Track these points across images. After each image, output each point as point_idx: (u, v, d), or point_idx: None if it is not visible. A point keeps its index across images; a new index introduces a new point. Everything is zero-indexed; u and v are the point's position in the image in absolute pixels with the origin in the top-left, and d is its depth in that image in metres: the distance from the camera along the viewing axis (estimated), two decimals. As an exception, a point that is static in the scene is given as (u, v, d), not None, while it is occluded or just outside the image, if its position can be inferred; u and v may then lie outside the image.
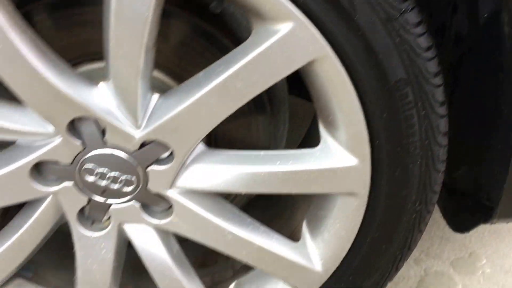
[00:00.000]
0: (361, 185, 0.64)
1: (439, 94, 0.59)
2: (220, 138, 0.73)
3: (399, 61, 0.56)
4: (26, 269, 0.76)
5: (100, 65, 0.69)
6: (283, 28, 0.54)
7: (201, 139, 0.63)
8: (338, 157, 0.62)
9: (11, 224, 0.70)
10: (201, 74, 0.59)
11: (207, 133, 0.62)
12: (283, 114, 0.76)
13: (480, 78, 0.69)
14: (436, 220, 1.05)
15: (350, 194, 0.65)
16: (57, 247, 0.78)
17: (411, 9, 0.54)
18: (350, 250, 0.69)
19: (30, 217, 0.67)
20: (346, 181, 0.64)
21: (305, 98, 0.88)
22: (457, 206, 0.82)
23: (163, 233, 0.71)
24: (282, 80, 0.77)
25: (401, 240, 0.69)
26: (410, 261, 1.02)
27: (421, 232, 0.69)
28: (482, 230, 1.09)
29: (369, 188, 0.64)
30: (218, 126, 0.63)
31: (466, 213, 0.80)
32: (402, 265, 0.72)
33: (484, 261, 1.03)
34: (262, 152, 0.65)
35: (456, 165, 0.77)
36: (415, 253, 1.03)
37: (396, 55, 0.55)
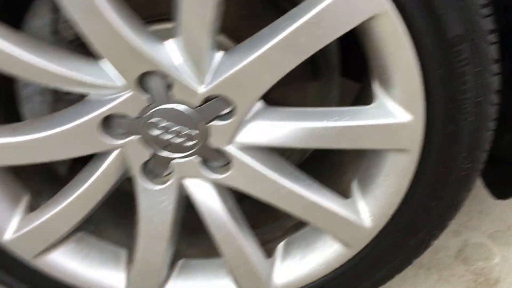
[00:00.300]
0: (414, 141, 0.66)
1: (493, 52, 0.62)
2: (276, 102, 0.76)
3: (457, 17, 0.58)
4: (88, 223, 0.81)
5: (164, 26, 0.73)
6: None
7: (262, 95, 0.66)
8: (393, 114, 0.65)
9: (78, 176, 0.74)
10: (265, 30, 0.63)
11: (268, 88, 0.65)
12: (336, 79, 0.79)
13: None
14: (475, 195, 1.06)
15: (402, 150, 0.68)
16: (116, 204, 0.83)
17: None
18: (399, 206, 0.72)
19: (97, 169, 0.72)
20: (400, 137, 0.66)
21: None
22: (500, 173, 0.84)
23: (220, 188, 0.75)
24: (336, 47, 0.80)
25: (450, 198, 0.71)
26: (449, 233, 1.04)
27: (469, 191, 0.71)
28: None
29: (422, 144, 0.66)
30: (275, 89, 0.66)
31: (509, 180, 0.82)
32: (448, 225, 0.74)
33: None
34: (319, 109, 0.68)
35: (501, 133, 0.79)
36: (454, 225, 1.05)
37: (454, 11, 0.58)
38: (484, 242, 1.05)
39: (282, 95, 0.74)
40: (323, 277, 0.81)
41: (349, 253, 0.78)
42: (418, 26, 0.58)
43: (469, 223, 1.10)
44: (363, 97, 0.90)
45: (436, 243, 0.86)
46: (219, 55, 0.65)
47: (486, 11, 0.59)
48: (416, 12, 0.57)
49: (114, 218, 0.87)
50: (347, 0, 0.57)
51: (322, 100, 0.81)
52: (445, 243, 1.02)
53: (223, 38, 0.73)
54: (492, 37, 0.61)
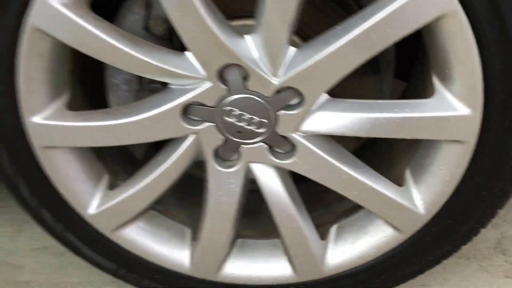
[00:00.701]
0: (470, 133, 0.71)
1: None
2: (334, 94, 0.82)
3: None
4: (156, 203, 0.87)
5: (241, 22, 0.80)
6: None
7: (330, 88, 0.72)
8: (452, 107, 0.70)
9: (155, 159, 0.81)
10: (337, 28, 0.69)
11: (336, 82, 0.71)
12: (390, 74, 0.84)
13: None
14: None
15: (459, 141, 0.73)
16: (179, 187, 0.90)
17: None
18: (452, 195, 0.77)
19: (174, 153, 0.79)
20: (457, 129, 0.71)
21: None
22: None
23: (283, 172, 0.81)
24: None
25: (501, 188, 0.77)
26: (488, 225, 1.08)
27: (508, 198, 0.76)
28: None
29: (478, 136, 0.71)
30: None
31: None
32: (498, 213, 0.79)
33: None
34: (382, 101, 0.74)
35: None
36: (492, 218, 1.10)
37: None
38: (522, 235, 1.10)
39: (341, 87, 0.80)
40: (373, 259, 0.87)
41: (400, 238, 0.83)
42: (483, 25, 0.64)
43: (507, 217, 1.14)
44: (409, 96, 0.95)
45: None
46: (292, 50, 0.71)
47: None
48: (482, 13, 0.63)
49: (178, 200, 0.94)
50: (419, 0, 0.63)
51: (376, 93, 0.86)
52: (484, 235, 1.06)
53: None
54: None
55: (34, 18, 0.68)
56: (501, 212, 1.11)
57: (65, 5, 0.67)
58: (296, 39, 0.81)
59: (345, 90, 0.83)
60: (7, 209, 1.17)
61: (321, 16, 0.78)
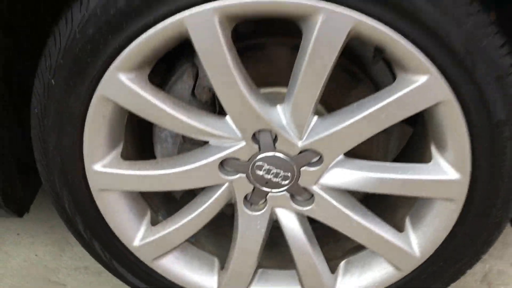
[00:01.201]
0: (460, 194, 0.85)
1: None
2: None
3: (502, 107, 0.77)
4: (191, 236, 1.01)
5: (269, 90, 0.93)
6: (421, 79, 0.76)
7: (345, 151, 0.86)
8: (445, 172, 0.84)
9: (194, 201, 0.95)
10: (354, 105, 0.82)
11: (350, 148, 0.85)
12: (397, 132, 0.98)
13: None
14: None
15: (450, 200, 0.87)
16: (211, 221, 1.03)
17: None
18: (443, 242, 0.92)
19: (210, 197, 0.92)
20: (449, 190, 0.85)
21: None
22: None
23: (301, 217, 0.95)
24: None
25: (485, 238, 0.90)
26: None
27: (500, 232, 0.90)
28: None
29: (466, 196, 0.85)
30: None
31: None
32: (482, 257, 0.93)
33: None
34: (388, 164, 0.87)
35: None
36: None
37: (500, 102, 0.77)
38: (506, 270, 1.24)
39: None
40: (376, 292, 1.01)
41: (399, 275, 0.97)
42: (472, 112, 0.78)
43: (493, 252, 1.28)
44: (415, 142, 1.09)
45: (465, 269, 1.05)
46: (315, 119, 0.85)
47: None
48: (471, 102, 0.77)
49: (208, 232, 1.07)
50: (420, 91, 0.77)
51: (383, 149, 1.00)
52: (473, 269, 1.20)
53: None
54: None
55: (103, 89, 0.82)
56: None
57: (130, 79, 0.81)
58: (319, 107, 0.95)
59: (362, 148, 0.96)
60: (52, 229, 1.31)
61: (340, 89, 0.92)
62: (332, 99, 0.91)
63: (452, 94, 0.77)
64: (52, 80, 0.81)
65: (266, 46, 0.91)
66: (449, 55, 0.74)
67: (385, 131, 0.88)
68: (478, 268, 1.24)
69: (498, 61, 0.74)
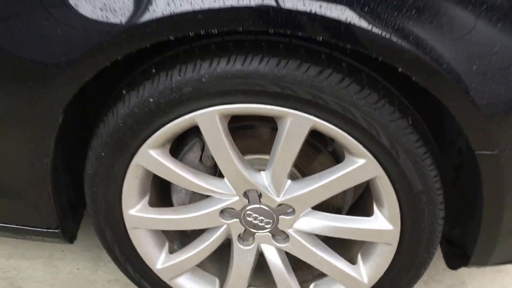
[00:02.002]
0: (394, 240, 1.16)
1: (440, 199, 1.10)
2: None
3: (419, 181, 1.07)
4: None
5: (256, 156, 1.24)
6: (361, 161, 1.07)
7: (312, 206, 1.17)
8: (383, 224, 1.15)
9: (201, 237, 1.27)
10: (316, 175, 1.13)
11: (315, 204, 1.15)
12: (352, 188, 1.28)
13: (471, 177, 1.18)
14: (440, 256, 1.53)
15: (387, 243, 1.17)
16: (214, 252, 1.35)
17: (427, 158, 1.04)
18: (385, 273, 1.22)
19: (213, 235, 1.25)
20: (386, 237, 1.16)
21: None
22: (451, 252, 1.31)
23: (280, 251, 1.26)
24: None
25: (416, 270, 1.21)
26: (420, 283, 1.51)
27: (425, 269, 1.20)
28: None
29: (398, 241, 1.16)
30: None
31: (456, 257, 1.30)
32: (413, 285, 1.23)
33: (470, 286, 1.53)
34: (342, 216, 1.18)
35: (454, 227, 1.27)
36: (424, 277, 1.53)
37: (417, 178, 1.07)
38: (446, 293, 1.54)
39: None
40: (337, 309, 1.32)
41: (353, 296, 1.28)
42: (398, 184, 1.08)
43: (435, 277, 1.58)
44: (364, 199, 1.38)
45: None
46: (289, 182, 1.16)
47: (436, 178, 1.08)
48: (397, 178, 1.07)
49: (211, 258, 1.39)
50: (361, 169, 1.08)
51: (343, 198, 1.30)
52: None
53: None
54: (440, 191, 1.09)
55: (137, 160, 1.14)
56: (431, 272, 1.56)
57: (156, 153, 1.13)
58: (294, 171, 1.26)
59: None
60: (89, 249, 1.64)
61: (308, 159, 1.23)
62: (304, 166, 1.22)
63: (383, 172, 1.08)
64: (102, 153, 1.14)
65: (255, 126, 1.23)
66: (379, 147, 1.05)
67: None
68: (423, 291, 1.54)
69: (414, 151, 1.05)
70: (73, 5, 0.97)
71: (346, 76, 1.01)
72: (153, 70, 1.07)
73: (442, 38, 0.93)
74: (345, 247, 1.31)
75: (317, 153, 1.23)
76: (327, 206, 1.28)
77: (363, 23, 0.91)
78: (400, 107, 1.05)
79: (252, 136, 1.25)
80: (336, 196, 1.27)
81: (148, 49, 1.01)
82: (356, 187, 1.32)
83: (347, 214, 1.33)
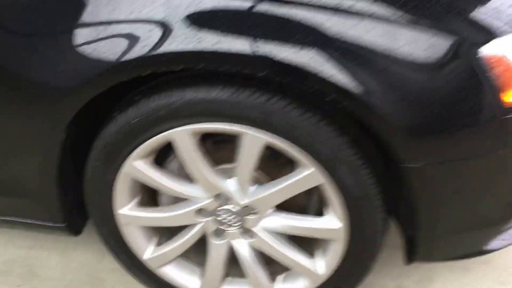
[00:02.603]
0: (342, 237, 1.34)
1: (379, 203, 1.28)
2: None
3: (358, 188, 1.25)
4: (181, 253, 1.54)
5: (227, 166, 1.44)
6: (308, 171, 1.26)
7: (272, 207, 1.36)
8: (333, 222, 1.33)
9: (182, 233, 1.48)
10: (274, 181, 1.33)
11: (275, 205, 1.35)
12: (317, 192, 1.47)
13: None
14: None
15: (337, 240, 1.35)
16: (195, 244, 1.56)
17: (364, 168, 1.22)
18: (337, 265, 1.41)
19: (191, 230, 1.46)
20: (335, 235, 1.34)
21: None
22: (407, 249, 1.48)
23: (248, 246, 1.45)
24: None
25: (364, 266, 1.38)
26: (391, 278, 1.69)
27: (374, 262, 1.37)
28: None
29: (346, 238, 1.34)
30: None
31: (410, 253, 1.46)
32: (364, 279, 1.41)
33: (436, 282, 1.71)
34: (300, 216, 1.37)
35: (408, 227, 1.44)
36: (394, 272, 1.72)
37: (356, 186, 1.25)
38: (412, 286, 1.71)
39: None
40: (300, 296, 1.51)
41: (312, 286, 1.47)
42: (340, 190, 1.27)
43: (404, 271, 1.75)
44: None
45: (376, 283, 1.54)
46: (251, 187, 1.36)
47: (374, 186, 1.25)
48: (339, 185, 1.25)
49: (193, 249, 1.60)
50: (308, 177, 1.27)
51: (308, 201, 1.49)
52: (385, 285, 1.68)
53: (259, 172, 1.43)
54: (377, 196, 1.27)
55: (125, 169, 1.37)
56: (397, 265, 1.72)
57: (140, 164, 1.36)
58: (262, 174, 1.46)
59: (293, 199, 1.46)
60: (95, 241, 1.88)
61: (269, 165, 1.43)
62: (273, 172, 1.43)
63: (327, 180, 1.27)
64: (97, 163, 1.37)
65: (226, 140, 1.43)
66: (323, 159, 1.24)
67: (308, 191, 1.38)
68: (390, 285, 1.70)
69: (353, 162, 1.23)
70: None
71: (292, 101, 1.21)
72: (136, 98, 1.30)
73: (364, 71, 1.12)
74: (305, 242, 1.50)
75: (285, 162, 1.43)
76: (294, 206, 1.48)
77: (298, 61, 1.10)
78: (340, 125, 1.23)
79: (229, 148, 1.45)
80: (302, 197, 1.47)
81: (137, 79, 1.23)
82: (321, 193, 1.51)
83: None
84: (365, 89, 1.11)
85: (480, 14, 1.16)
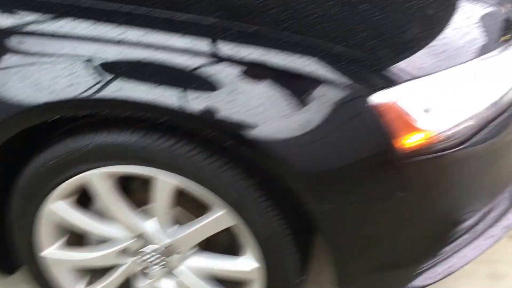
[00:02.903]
0: (259, 276, 1.35)
1: (289, 243, 1.29)
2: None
3: (267, 229, 1.26)
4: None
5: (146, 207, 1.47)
6: (219, 213, 1.28)
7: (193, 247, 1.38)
8: (251, 263, 1.34)
9: (108, 274, 1.50)
10: (191, 222, 1.35)
11: (195, 245, 1.36)
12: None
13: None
14: None
15: (255, 280, 1.36)
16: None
17: (272, 210, 1.24)
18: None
19: (118, 270, 1.48)
20: (253, 274, 1.36)
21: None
22: None
23: (176, 285, 1.47)
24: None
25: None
26: None
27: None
28: None
29: (264, 277, 1.35)
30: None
31: None
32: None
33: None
34: (220, 256, 1.38)
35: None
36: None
37: (265, 226, 1.26)
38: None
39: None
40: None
41: None
42: (251, 230, 1.28)
43: None
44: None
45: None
46: (174, 227, 1.38)
47: (283, 227, 1.26)
48: (248, 225, 1.27)
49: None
50: (222, 218, 1.28)
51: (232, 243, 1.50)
52: None
53: (180, 209, 1.45)
54: (288, 237, 1.28)
55: (45, 210, 1.39)
56: None
57: (57, 206, 1.38)
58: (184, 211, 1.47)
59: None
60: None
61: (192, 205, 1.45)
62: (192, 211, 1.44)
63: (237, 222, 1.28)
64: (18, 204, 1.40)
65: (147, 181, 1.46)
66: (231, 202, 1.26)
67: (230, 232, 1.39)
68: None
69: (260, 204, 1.25)
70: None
71: (197, 145, 1.23)
72: (54, 139, 1.33)
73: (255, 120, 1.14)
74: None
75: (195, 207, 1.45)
76: (219, 246, 1.49)
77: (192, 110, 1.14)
78: (245, 169, 1.25)
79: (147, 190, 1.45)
80: (226, 236, 1.48)
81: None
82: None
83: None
84: (258, 136, 1.14)
85: (371, 63, 1.19)
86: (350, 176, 1.19)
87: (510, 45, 1.37)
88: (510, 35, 1.42)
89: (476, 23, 1.38)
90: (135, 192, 1.45)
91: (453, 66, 1.26)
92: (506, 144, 1.41)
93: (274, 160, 1.16)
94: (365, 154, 1.18)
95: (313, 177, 1.17)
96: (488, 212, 1.52)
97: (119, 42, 1.18)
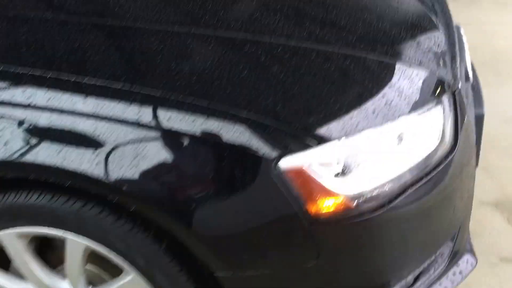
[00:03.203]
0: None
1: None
2: None
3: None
4: None
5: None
6: (129, 276, 1.24)
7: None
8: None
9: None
10: (104, 285, 1.30)
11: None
12: None
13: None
14: None
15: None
16: None
17: (182, 275, 1.20)
18: None
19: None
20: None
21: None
22: None
23: None
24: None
25: None
26: None
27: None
28: None
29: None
30: None
31: None
32: None
33: None
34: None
35: None
36: None
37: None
38: None
39: None
40: None
41: None
42: None
43: None
44: None
45: None
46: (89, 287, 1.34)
47: None
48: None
49: None
50: (132, 282, 1.24)
51: None
52: None
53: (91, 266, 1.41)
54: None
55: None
56: None
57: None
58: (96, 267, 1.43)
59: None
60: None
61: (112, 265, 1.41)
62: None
63: (150, 286, 1.24)
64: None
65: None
66: (140, 266, 1.22)
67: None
68: None
69: (170, 269, 1.21)
70: None
71: (104, 208, 1.21)
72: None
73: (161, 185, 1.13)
74: None
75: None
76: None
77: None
78: (154, 234, 1.22)
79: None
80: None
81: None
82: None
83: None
84: (161, 200, 1.13)
85: (281, 128, 1.16)
86: (259, 244, 1.16)
87: (433, 107, 1.35)
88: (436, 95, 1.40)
89: (397, 83, 1.32)
90: (58, 248, 1.42)
91: (371, 127, 1.22)
92: (433, 206, 1.38)
93: (177, 225, 1.14)
94: (275, 220, 1.15)
95: (219, 244, 1.14)
96: (421, 274, 1.48)
97: (26, 106, 1.18)
